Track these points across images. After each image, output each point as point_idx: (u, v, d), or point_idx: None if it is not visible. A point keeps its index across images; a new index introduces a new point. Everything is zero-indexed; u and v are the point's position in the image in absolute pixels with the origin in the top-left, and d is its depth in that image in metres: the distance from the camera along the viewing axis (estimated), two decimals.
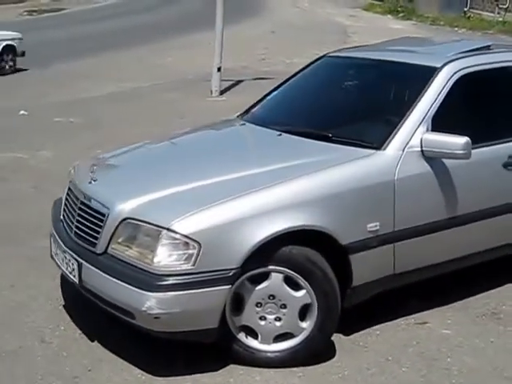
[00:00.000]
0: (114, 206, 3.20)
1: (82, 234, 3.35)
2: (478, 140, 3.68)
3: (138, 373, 3.23)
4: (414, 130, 3.51)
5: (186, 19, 22.10)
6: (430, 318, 3.79)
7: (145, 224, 3.06)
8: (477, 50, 4.14)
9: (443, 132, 3.50)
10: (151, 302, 2.93)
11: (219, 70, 10.87)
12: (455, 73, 3.76)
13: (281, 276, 3.14)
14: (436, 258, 3.67)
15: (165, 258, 2.97)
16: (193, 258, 2.95)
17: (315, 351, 3.25)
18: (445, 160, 3.52)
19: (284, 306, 3.18)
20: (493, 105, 4.02)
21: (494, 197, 3.81)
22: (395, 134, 3.51)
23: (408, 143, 3.48)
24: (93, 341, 3.50)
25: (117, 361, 3.33)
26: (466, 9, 24.62)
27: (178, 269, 2.96)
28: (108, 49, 16.39)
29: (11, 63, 13.71)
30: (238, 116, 4.42)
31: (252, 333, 3.23)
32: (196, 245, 2.95)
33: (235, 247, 2.99)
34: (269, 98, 4.52)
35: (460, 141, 3.40)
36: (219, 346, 3.21)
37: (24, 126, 8.74)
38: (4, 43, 13.60)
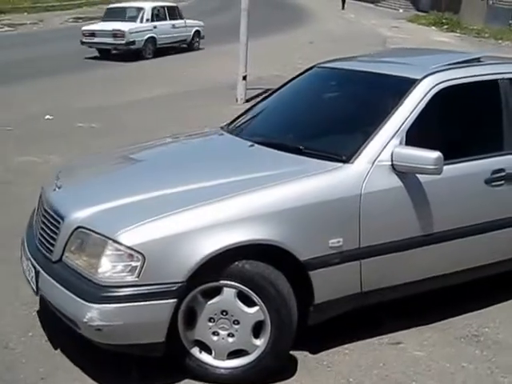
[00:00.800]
0: (68, 214, 3.17)
1: (43, 241, 3.33)
2: (456, 155, 3.56)
3: (91, 383, 3.20)
4: (386, 144, 3.38)
5: (235, 25, 22.15)
6: (406, 337, 3.65)
7: (93, 233, 3.02)
8: (465, 62, 3.97)
9: (420, 146, 3.34)
10: (92, 314, 2.87)
11: (244, 78, 10.96)
12: (435, 85, 3.61)
13: (233, 291, 3.05)
14: (408, 276, 3.52)
15: (109, 268, 2.92)
16: (137, 270, 2.89)
17: (269, 369, 3.15)
18: (419, 175, 3.37)
19: (237, 322, 3.09)
20: (475, 119, 3.85)
21: (475, 214, 3.64)
22: (365, 147, 3.38)
23: (378, 157, 3.35)
24: (56, 348, 3.48)
25: (73, 370, 3.30)
26: (511, 21, 24.06)
27: (121, 280, 2.90)
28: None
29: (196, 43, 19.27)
30: (222, 126, 4.35)
31: (206, 348, 3.15)
32: (140, 256, 2.88)
33: (181, 260, 2.91)
34: (253, 108, 4.45)
35: (431, 155, 3.25)
36: (172, 360, 3.14)
37: (46, 131, 8.88)
38: (195, 28, 19.18)
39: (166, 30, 17.59)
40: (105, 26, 16.79)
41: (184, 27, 18.54)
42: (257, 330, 3.13)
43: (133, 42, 16.44)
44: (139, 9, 17.21)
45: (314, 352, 3.46)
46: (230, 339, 3.11)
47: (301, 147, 3.54)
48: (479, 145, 3.76)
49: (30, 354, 3.44)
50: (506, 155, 3.76)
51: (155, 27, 17.19)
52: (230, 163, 3.60)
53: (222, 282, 3.03)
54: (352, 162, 3.33)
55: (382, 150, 3.37)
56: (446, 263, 3.63)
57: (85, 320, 2.89)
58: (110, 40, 16.34)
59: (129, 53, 16.57)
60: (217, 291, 3.07)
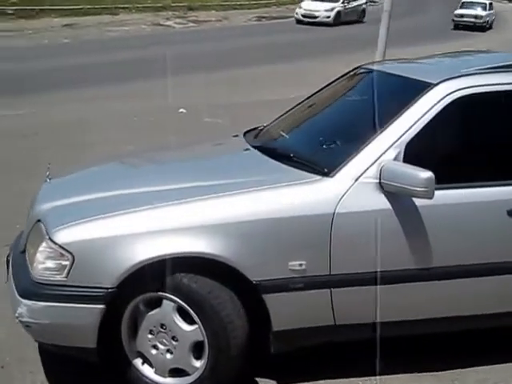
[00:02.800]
0: (36, 207, 3.17)
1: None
2: (470, 178, 2.99)
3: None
4: (377, 157, 2.89)
5: (412, 30, 21.32)
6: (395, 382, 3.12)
7: (42, 228, 2.93)
8: (504, 66, 3.31)
9: (422, 164, 2.83)
10: (22, 309, 2.79)
11: None
12: (451, 93, 3.03)
13: (172, 305, 2.81)
14: (391, 314, 2.99)
15: (42, 265, 2.81)
16: (65, 270, 2.75)
17: None
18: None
19: (176, 339, 2.84)
20: (499, 136, 3.18)
21: (491, 252, 3.00)
22: (350, 159, 2.92)
23: (365, 172, 2.88)
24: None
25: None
26: None
27: (51, 279, 2.78)
28: (314, 56, 16.44)
29: None
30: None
31: (149, 361, 2.93)
32: (69, 256, 2.74)
33: (112, 265, 2.72)
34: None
35: (421, 175, 2.74)
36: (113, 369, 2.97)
37: (169, 123, 9.10)
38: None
39: None
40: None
41: None
42: (198, 349, 2.85)
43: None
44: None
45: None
46: (169, 355, 2.87)
47: (291, 155, 3.17)
48: (503, 168, 3.09)
49: None
50: None
51: None
52: (209, 168, 3.34)
53: (160, 293, 2.80)
54: (332, 176, 2.90)
55: (371, 165, 2.88)
56: (445, 305, 3.03)
57: (16, 314, 2.82)
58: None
59: None
60: (158, 303, 2.85)
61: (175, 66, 13.98)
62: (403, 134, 2.94)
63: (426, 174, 2.73)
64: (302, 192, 2.87)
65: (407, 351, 3.25)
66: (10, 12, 19.84)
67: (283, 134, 3.55)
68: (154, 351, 2.89)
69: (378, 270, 2.87)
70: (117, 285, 2.72)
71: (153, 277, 2.76)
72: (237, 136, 3.75)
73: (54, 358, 3.15)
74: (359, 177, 2.88)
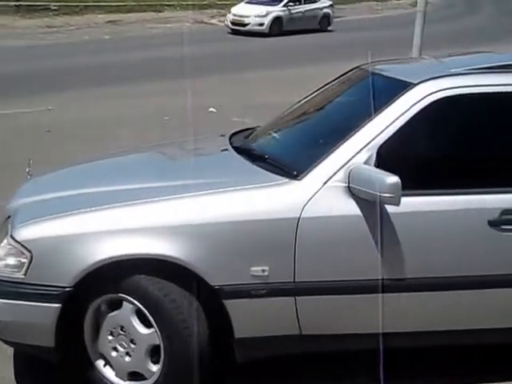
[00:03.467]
0: (10, 202, 3.18)
1: None
2: (448, 185, 2.83)
3: None
4: (348, 160, 2.76)
5: (470, 31, 20.77)
6: None
7: (8, 225, 2.92)
8: (500, 67, 3.13)
9: (395, 168, 2.68)
10: None
11: None
12: (431, 93, 2.87)
13: (131, 307, 2.75)
14: (362, 327, 2.86)
15: (2, 262, 2.79)
16: (24, 268, 2.72)
17: None
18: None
19: (134, 342, 2.78)
20: (483, 140, 2.99)
21: (469, 264, 2.83)
22: (320, 161, 2.80)
23: (334, 175, 2.75)
24: None
25: None
26: None
27: (10, 276, 2.75)
28: (352, 57, 16.19)
29: None
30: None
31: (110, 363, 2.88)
32: (28, 254, 2.71)
33: (69, 265, 2.68)
34: None
35: (386, 180, 2.60)
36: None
37: (201, 122, 9.07)
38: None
39: None
40: None
41: None
42: (156, 354, 2.78)
43: None
44: None
45: None
46: (127, 358, 2.82)
47: (266, 157, 3.07)
48: (484, 175, 2.91)
49: None
50: None
51: None
52: (181, 167, 3.29)
53: (120, 294, 2.74)
54: (300, 179, 2.78)
55: (340, 168, 2.75)
56: (418, 318, 2.88)
57: None
58: None
59: None
60: (119, 304, 2.79)
61: (210, 64, 14.06)
62: (376, 137, 2.80)
63: (393, 180, 2.59)
64: (267, 195, 2.76)
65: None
66: (54, 8, 20.21)
67: (266, 135, 3.45)
68: (114, 353, 2.84)
69: (345, 278, 2.75)
70: (73, 284, 2.68)
71: (112, 277, 2.71)
72: (223, 136, 3.67)
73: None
74: (327, 180, 2.75)
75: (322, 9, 21.57)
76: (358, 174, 2.70)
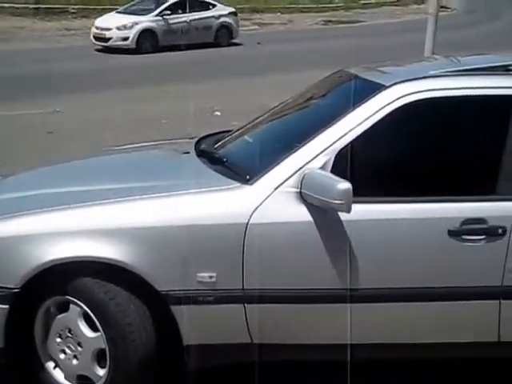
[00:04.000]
0: None
1: None
2: (408, 192, 2.75)
3: None
4: (303, 165, 2.69)
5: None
6: None
7: None
8: (477, 69, 3.05)
9: (353, 174, 2.64)
10: None
11: None
12: (401, 97, 2.77)
13: (78, 310, 2.73)
14: (317, 337, 2.80)
15: None
16: None
17: None
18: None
19: (81, 345, 2.77)
20: (450, 147, 2.89)
21: (426, 275, 2.75)
22: (274, 166, 2.74)
23: (287, 180, 2.69)
24: None
25: None
26: None
27: None
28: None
29: None
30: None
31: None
32: None
33: (16, 266, 2.68)
34: None
35: (337, 186, 2.53)
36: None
37: (203, 127, 9.04)
38: None
39: None
40: None
41: None
42: (103, 357, 2.75)
43: None
44: None
45: None
46: (75, 361, 2.81)
47: (225, 160, 3.03)
48: (447, 182, 2.81)
49: None
50: (491, 201, 2.78)
51: None
52: (137, 170, 3.24)
53: (67, 297, 2.73)
54: (251, 184, 2.73)
55: (294, 173, 2.69)
56: (373, 330, 2.81)
57: None
58: None
59: None
60: (67, 307, 2.77)
61: (226, 68, 14.07)
62: (336, 141, 2.73)
63: (343, 186, 2.53)
64: (216, 199, 2.73)
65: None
66: (72, 11, 20.40)
67: (232, 139, 3.41)
68: (62, 356, 2.83)
69: (295, 287, 2.70)
70: (21, 286, 2.67)
71: (59, 280, 2.70)
72: (193, 139, 3.63)
73: None
74: (279, 186, 2.69)
75: (218, 17, 17.07)
76: (310, 180, 2.64)
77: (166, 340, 2.76)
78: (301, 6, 28.39)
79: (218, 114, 9.67)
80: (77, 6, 20.60)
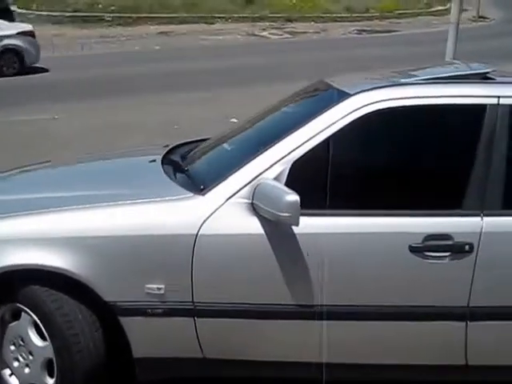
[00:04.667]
0: None
1: None
2: (368, 205, 2.66)
3: None
4: (256, 175, 2.62)
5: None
6: None
7: None
8: (452, 77, 2.92)
9: (309, 185, 2.59)
10: None
11: None
12: (363, 106, 2.68)
13: (28, 318, 2.71)
14: (263, 353, 2.72)
15: None
16: None
17: None
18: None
19: (32, 354, 2.75)
20: (414, 158, 2.80)
21: (384, 293, 2.65)
22: (227, 176, 2.68)
23: (239, 191, 2.62)
24: None
25: None
26: None
27: None
28: None
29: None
30: None
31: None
32: None
33: None
34: None
35: (284, 198, 2.45)
36: None
37: (210, 132, 9.00)
38: None
39: None
40: None
41: None
42: (52, 367, 2.72)
43: None
44: None
45: None
46: (27, 370, 2.78)
47: (186, 170, 3.00)
48: (409, 196, 2.70)
49: None
50: (457, 216, 2.66)
51: None
52: (97, 177, 3.22)
53: (18, 305, 2.72)
54: (203, 194, 2.67)
55: (247, 184, 2.62)
56: (325, 348, 2.69)
57: None
58: None
59: None
60: (19, 315, 2.76)
61: (253, 76, 14.04)
62: (292, 151, 2.65)
63: (291, 198, 2.44)
64: (167, 209, 2.67)
65: None
66: (107, 19, 20.68)
67: (202, 149, 3.35)
68: (16, 364, 2.82)
69: (245, 301, 2.62)
70: None
71: (10, 287, 2.68)
72: (167, 146, 3.60)
73: None
74: (231, 196, 2.63)
75: (1, 39, 13.16)
76: (261, 191, 2.57)
77: (116, 352, 2.72)
78: (335, 15, 28.24)
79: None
80: (112, 15, 20.89)
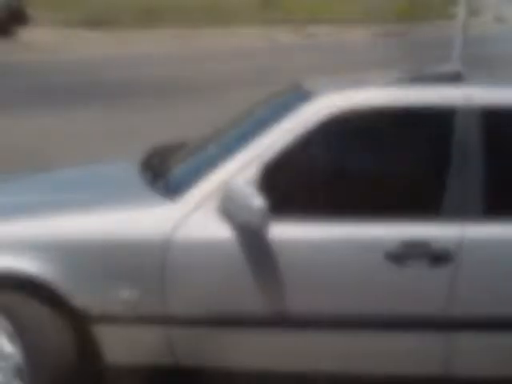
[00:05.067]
0: None
1: None
2: (341, 212, 2.60)
3: None
4: (225, 180, 2.58)
5: None
6: None
7: None
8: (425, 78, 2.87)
9: (278, 191, 2.55)
10: None
11: None
12: (328, 108, 2.62)
13: (1, 323, 2.68)
14: (245, 362, 2.67)
15: None
16: None
17: None
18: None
19: (3, 359, 2.71)
20: (384, 163, 2.73)
21: (362, 301, 2.59)
22: (199, 182, 2.65)
23: (209, 196, 2.59)
24: None
25: None
26: None
27: None
28: None
29: None
30: None
31: None
32: None
33: None
34: None
35: (251, 203, 2.41)
36: None
37: None
38: None
39: None
40: None
41: None
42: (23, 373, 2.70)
43: None
44: None
45: None
46: (0, 376, 2.74)
47: (161, 173, 2.97)
48: (384, 202, 2.63)
49: None
50: (435, 222, 2.58)
51: None
52: (73, 184, 3.18)
53: None
54: (175, 201, 2.64)
55: (217, 188, 2.59)
56: (299, 357, 2.65)
57: None
58: None
59: None
60: None
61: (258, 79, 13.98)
62: (262, 154, 2.61)
63: (257, 202, 2.40)
64: (138, 216, 2.64)
65: None
66: (123, 22, 20.73)
67: (181, 154, 3.30)
68: None
69: (217, 309, 2.59)
70: None
71: None
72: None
73: None
74: (201, 202, 2.60)
75: None
76: (229, 196, 2.52)
77: (88, 359, 2.69)
78: (354, 16, 28.06)
79: None
80: (128, 18, 20.92)
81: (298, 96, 2.88)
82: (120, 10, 21.41)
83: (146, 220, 2.62)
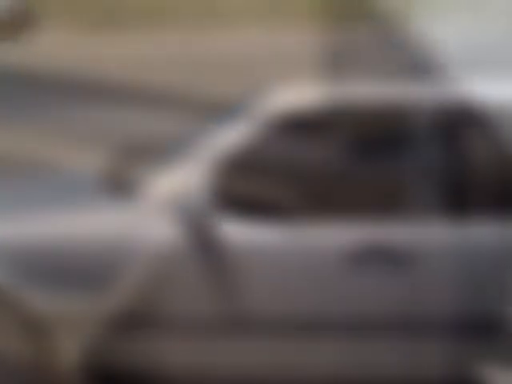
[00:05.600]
0: None
1: None
2: (299, 212, 2.56)
3: None
4: (179, 180, 2.56)
5: None
6: None
7: None
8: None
9: (230, 188, 2.53)
10: None
11: None
12: (282, 104, 2.61)
13: None
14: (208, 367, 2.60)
15: None
16: None
17: None
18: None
19: None
20: (338, 162, 2.63)
21: (322, 306, 2.53)
22: (153, 182, 2.64)
23: (166, 197, 2.56)
24: None
25: None
26: None
27: None
28: None
29: None
30: None
31: None
32: None
33: None
34: None
35: (202, 202, 2.46)
36: None
37: None
38: None
39: None
40: None
41: None
42: None
43: None
44: None
45: None
46: None
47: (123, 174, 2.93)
48: (345, 202, 2.57)
49: None
50: (397, 225, 2.53)
51: None
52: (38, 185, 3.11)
53: None
54: (131, 202, 2.62)
55: (174, 189, 2.56)
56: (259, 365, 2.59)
57: None
58: None
59: None
60: None
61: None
62: (213, 154, 2.58)
63: (207, 202, 2.45)
64: (94, 217, 2.60)
65: None
66: (131, 24, 20.89)
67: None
68: None
69: (176, 312, 2.55)
70: None
71: None
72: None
73: None
74: (155, 202, 2.58)
75: None
76: (181, 197, 2.52)
77: (54, 365, 2.64)
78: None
79: None
80: (137, 19, 21.00)
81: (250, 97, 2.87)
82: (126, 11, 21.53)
83: (104, 222, 2.58)
